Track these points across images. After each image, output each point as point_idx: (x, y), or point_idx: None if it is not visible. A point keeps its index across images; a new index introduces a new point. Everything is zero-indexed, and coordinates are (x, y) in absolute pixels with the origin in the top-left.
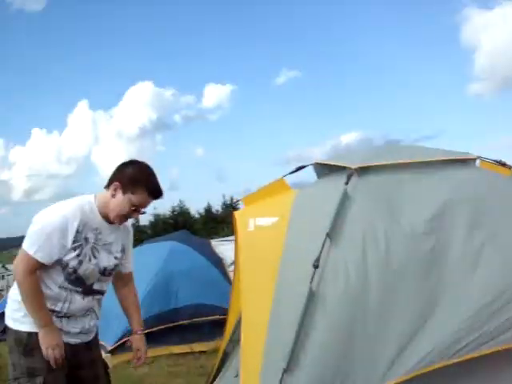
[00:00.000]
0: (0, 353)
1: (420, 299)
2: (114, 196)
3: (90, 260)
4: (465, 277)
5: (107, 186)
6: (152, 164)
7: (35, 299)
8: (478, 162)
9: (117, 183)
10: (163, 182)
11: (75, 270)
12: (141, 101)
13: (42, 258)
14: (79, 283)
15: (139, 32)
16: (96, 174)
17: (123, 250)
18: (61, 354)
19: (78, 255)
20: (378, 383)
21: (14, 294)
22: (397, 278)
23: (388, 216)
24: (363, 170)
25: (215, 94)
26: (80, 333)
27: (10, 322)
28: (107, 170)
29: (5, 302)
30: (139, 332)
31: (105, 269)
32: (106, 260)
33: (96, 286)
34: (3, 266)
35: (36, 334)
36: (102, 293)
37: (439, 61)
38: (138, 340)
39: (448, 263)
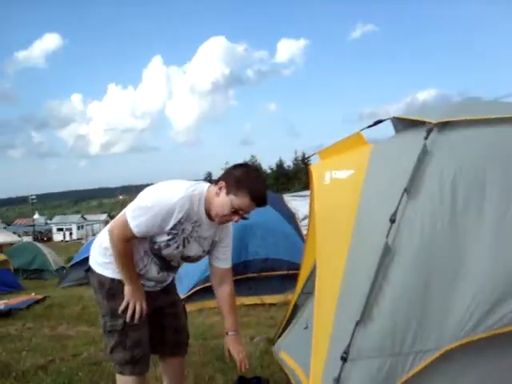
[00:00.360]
0: (82, 295)
1: (500, 258)
2: (218, 195)
3: (177, 247)
4: None
5: (216, 183)
6: (224, 119)
7: (125, 263)
8: None
9: (222, 182)
10: (236, 137)
11: (160, 249)
12: (214, 56)
13: (138, 232)
14: (159, 259)
15: None
16: (170, 128)
17: (212, 244)
18: (140, 309)
19: (169, 240)
20: (452, 339)
21: (102, 239)
22: (475, 235)
23: (470, 174)
24: (443, 125)
25: (288, 48)
26: (155, 285)
27: (94, 264)
28: (180, 123)
29: (85, 249)
30: (230, 333)
31: (188, 257)
32: (194, 251)
33: (174, 263)
34: (82, 216)
35: (118, 280)
36: (177, 268)
37: None
38: (228, 340)
39: None
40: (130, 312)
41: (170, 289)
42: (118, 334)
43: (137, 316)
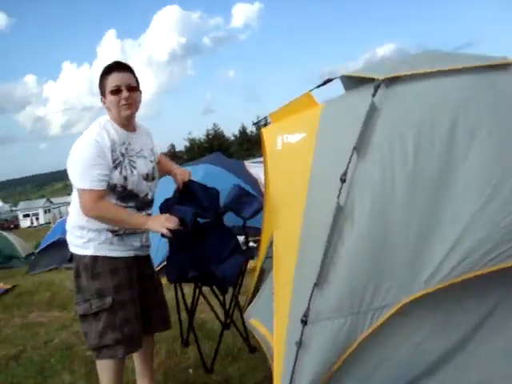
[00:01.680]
0: (52, 281)
1: (448, 210)
2: (109, 108)
3: (132, 172)
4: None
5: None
6: (184, 89)
7: (118, 215)
8: None
9: (100, 96)
10: (197, 107)
11: (124, 188)
12: (168, 26)
13: (98, 185)
14: (131, 198)
15: None
16: None
17: (153, 152)
18: (173, 225)
19: (121, 172)
20: (410, 292)
21: (73, 222)
22: (425, 190)
23: (419, 127)
24: (391, 81)
25: (244, 13)
26: (142, 246)
27: (74, 248)
28: None
29: (52, 233)
30: (174, 167)
31: (147, 175)
32: (145, 166)
33: (145, 196)
34: (48, 200)
35: (100, 257)
36: (151, 202)
37: None
38: (176, 171)
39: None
40: (169, 232)
41: (150, 261)
42: (107, 314)
43: (176, 231)
